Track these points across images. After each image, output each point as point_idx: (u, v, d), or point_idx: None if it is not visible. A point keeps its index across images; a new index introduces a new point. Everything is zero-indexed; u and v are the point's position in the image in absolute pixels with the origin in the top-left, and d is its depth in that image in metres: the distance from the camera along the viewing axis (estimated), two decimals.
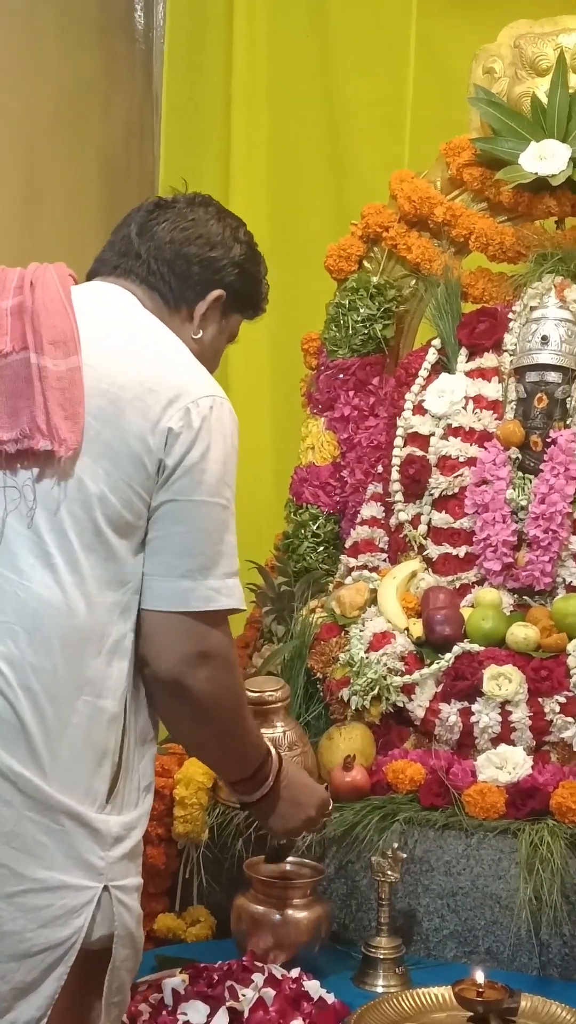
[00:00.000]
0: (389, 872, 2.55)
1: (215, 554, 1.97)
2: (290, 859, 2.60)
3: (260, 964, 2.43)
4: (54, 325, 1.97)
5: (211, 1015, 2.26)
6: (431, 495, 3.07)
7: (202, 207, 2.20)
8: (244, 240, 2.22)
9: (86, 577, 1.92)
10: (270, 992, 2.30)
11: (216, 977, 2.38)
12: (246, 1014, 2.25)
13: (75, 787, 1.90)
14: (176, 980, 2.37)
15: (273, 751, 2.22)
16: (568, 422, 3.01)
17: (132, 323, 2.07)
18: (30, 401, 1.94)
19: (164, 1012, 2.31)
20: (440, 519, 3.06)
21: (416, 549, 3.09)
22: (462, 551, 3.03)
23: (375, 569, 3.14)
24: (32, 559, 1.92)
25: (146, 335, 2.05)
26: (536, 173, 3.09)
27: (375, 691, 2.85)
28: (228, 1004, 2.27)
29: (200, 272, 2.15)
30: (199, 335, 2.16)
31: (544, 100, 3.14)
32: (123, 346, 2.01)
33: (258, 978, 2.35)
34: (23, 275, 2.04)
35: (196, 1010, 2.27)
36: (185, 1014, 2.27)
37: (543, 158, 3.10)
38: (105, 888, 1.90)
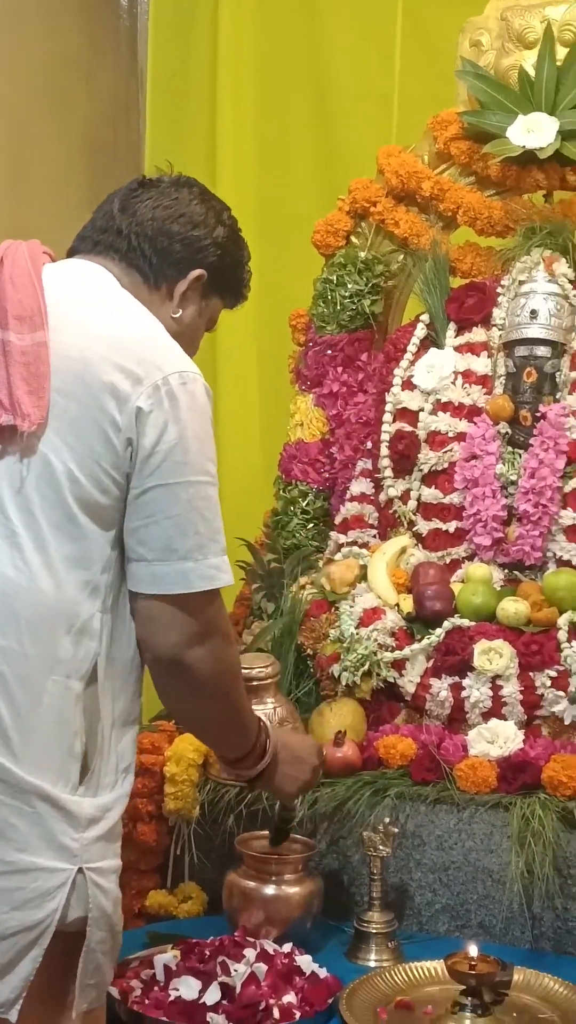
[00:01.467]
0: (381, 847, 2.54)
1: (212, 531, 1.98)
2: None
3: (252, 939, 2.43)
4: (20, 300, 1.96)
5: (203, 990, 2.26)
6: (420, 471, 3.07)
7: (186, 188, 2.19)
8: (228, 223, 2.21)
9: (53, 556, 1.91)
10: (262, 967, 2.30)
11: (208, 953, 2.38)
12: (238, 989, 2.25)
13: (47, 769, 1.89)
14: (168, 956, 2.37)
15: (262, 717, 2.24)
16: (557, 396, 3.01)
17: (105, 300, 2.05)
18: None
19: (156, 988, 2.31)
20: (430, 494, 3.05)
21: (406, 525, 3.09)
22: (452, 526, 3.03)
23: (365, 545, 3.13)
24: None
25: (120, 311, 2.03)
26: (524, 146, 3.07)
27: (365, 667, 2.85)
28: (220, 979, 2.27)
29: (181, 250, 2.13)
30: (178, 314, 2.14)
31: (531, 73, 3.12)
32: (94, 323, 1.99)
33: (250, 953, 2.35)
34: None
35: (188, 985, 2.27)
36: (177, 989, 2.27)
37: (531, 131, 3.08)
38: (80, 870, 1.89)
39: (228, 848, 2.65)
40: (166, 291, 2.14)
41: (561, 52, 3.12)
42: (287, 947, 2.42)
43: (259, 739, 2.22)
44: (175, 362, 1.98)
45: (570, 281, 3.05)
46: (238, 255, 2.24)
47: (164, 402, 1.93)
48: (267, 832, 2.55)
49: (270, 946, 2.41)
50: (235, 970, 2.29)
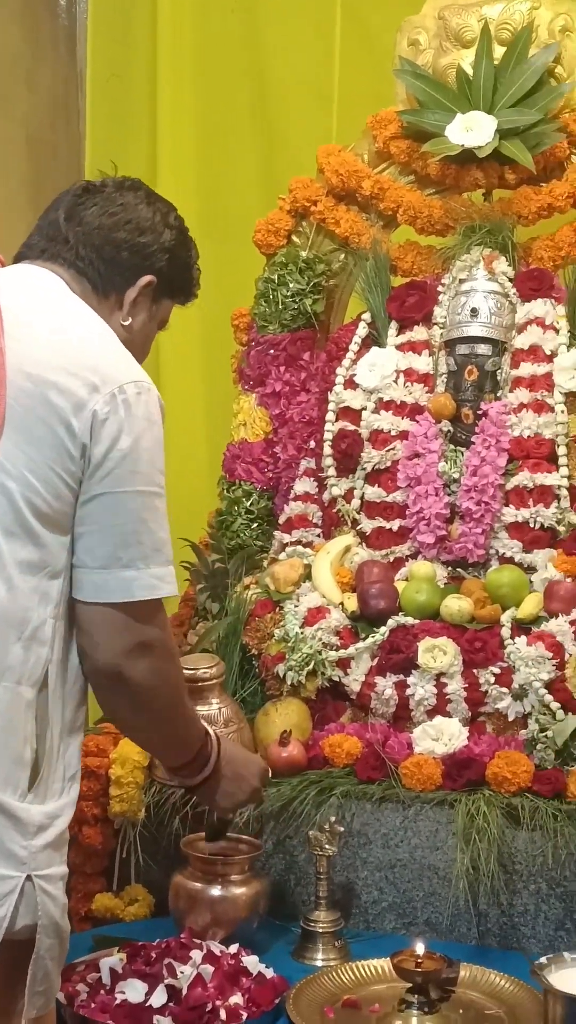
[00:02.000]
0: (327, 846, 2.55)
1: (157, 542, 1.98)
2: (229, 835, 2.61)
3: (198, 941, 2.43)
4: None
5: (149, 993, 2.25)
6: (364, 469, 3.07)
7: (131, 191, 2.17)
8: (175, 225, 2.20)
9: (7, 561, 1.90)
10: (208, 968, 2.30)
11: (154, 955, 2.37)
12: (184, 991, 2.25)
13: None
14: (114, 959, 2.36)
15: (211, 731, 2.24)
16: (499, 394, 3.02)
17: (59, 307, 2.04)
18: None
19: (102, 991, 2.30)
20: (373, 493, 3.06)
21: (350, 523, 3.09)
22: (395, 524, 3.04)
23: (309, 544, 3.14)
24: None
25: (73, 319, 2.02)
26: (462, 145, 3.08)
27: (310, 666, 2.85)
28: (166, 981, 2.27)
29: (129, 258, 2.13)
30: (128, 321, 2.14)
31: (469, 71, 3.12)
32: (49, 330, 1.98)
33: (196, 955, 2.35)
34: None
35: (134, 988, 2.26)
36: (123, 992, 2.26)
37: (469, 130, 3.08)
38: (28, 877, 1.88)
39: (174, 850, 2.64)
40: (116, 299, 2.13)
41: (499, 51, 3.13)
42: (234, 948, 2.42)
43: (203, 750, 2.23)
44: (131, 372, 1.98)
45: (510, 279, 3.07)
46: (187, 256, 2.23)
47: (120, 410, 1.93)
48: (206, 829, 2.55)
49: (216, 947, 2.40)
50: (181, 972, 2.29)
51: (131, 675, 1.97)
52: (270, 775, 2.46)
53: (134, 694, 2.00)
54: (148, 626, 1.98)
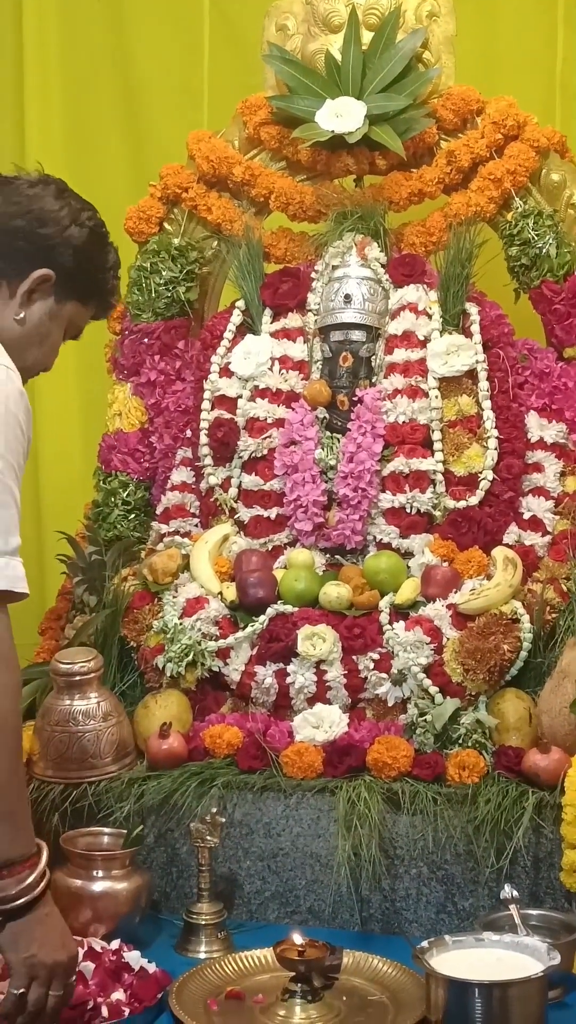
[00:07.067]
0: (209, 837, 2.53)
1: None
2: (108, 830, 2.59)
3: (79, 938, 2.39)
4: None
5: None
6: (240, 458, 3.06)
7: (42, 185, 2.16)
8: (88, 225, 2.18)
9: None
10: (89, 966, 2.28)
11: None
12: None
13: None
14: None
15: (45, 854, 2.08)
16: (373, 380, 3.02)
17: None
18: None
19: None
20: (250, 481, 3.04)
21: (227, 513, 3.07)
22: (273, 513, 3.03)
23: (187, 534, 3.11)
24: None
25: None
26: (332, 131, 3.07)
27: (190, 657, 2.83)
28: None
29: (25, 247, 2.10)
30: (21, 315, 2.11)
31: (338, 57, 3.11)
32: None
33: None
34: None
35: None
36: (2, 993, 2.22)
37: (339, 116, 3.07)
38: None
39: (54, 847, 2.59)
40: (7, 290, 2.10)
41: (367, 36, 3.12)
42: (115, 944, 2.40)
43: (36, 855, 2.05)
44: None
45: (382, 265, 3.07)
46: (98, 258, 2.20)
47: None
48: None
49: (97, 944, 2.38)
50: None
51: None
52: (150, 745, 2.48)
53: None
54: None
